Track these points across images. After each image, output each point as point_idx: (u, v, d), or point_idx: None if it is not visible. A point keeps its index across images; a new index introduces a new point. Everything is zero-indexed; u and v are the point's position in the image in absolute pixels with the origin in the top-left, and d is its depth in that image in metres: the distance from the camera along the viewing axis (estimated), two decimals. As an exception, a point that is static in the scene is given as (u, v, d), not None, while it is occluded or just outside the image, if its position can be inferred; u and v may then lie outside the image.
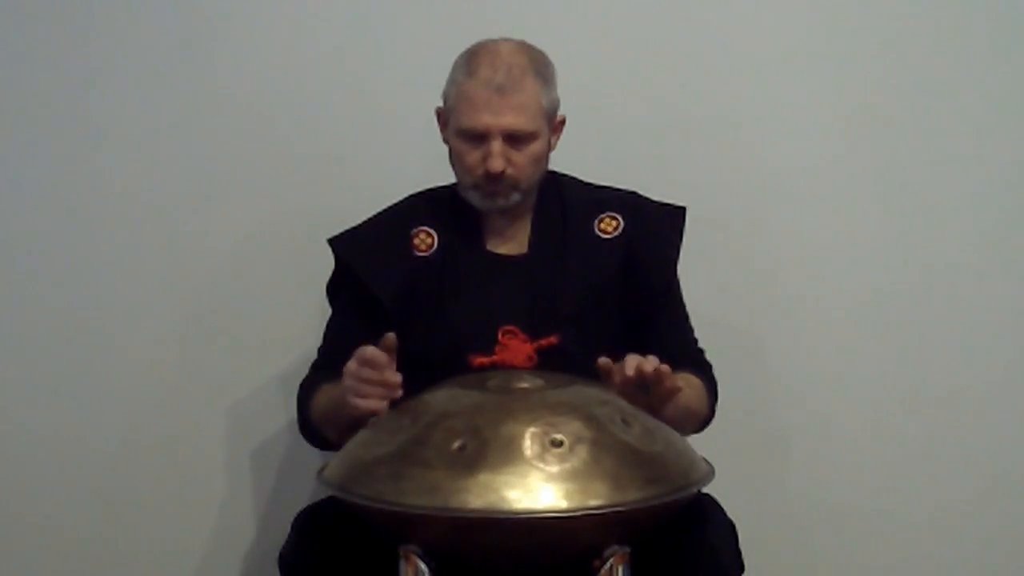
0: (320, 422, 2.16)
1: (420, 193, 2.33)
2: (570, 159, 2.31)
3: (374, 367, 1.93)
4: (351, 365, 1.95)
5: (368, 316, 2.20)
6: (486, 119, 2.13)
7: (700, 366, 2.24)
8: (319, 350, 2.30)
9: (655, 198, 2.30)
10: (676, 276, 2.29)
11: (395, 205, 2.32)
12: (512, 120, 2.14)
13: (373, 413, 1.93)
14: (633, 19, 2.63)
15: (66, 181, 2.60)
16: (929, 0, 2.65)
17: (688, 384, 2.12)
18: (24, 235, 2.60)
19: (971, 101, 2.65)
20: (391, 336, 1.95)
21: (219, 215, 2.62)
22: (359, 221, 2.30)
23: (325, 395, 2.13)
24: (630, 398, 1.92)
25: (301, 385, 2.24)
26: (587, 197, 2.29)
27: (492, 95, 2.13)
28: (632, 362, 1.92)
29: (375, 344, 1.96)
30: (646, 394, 1.93)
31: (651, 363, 1.92)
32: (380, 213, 2.31)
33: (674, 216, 2.28)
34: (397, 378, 1.94)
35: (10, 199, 2.60)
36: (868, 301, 2.66)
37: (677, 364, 2.13)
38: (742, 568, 2.00)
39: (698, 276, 2.35)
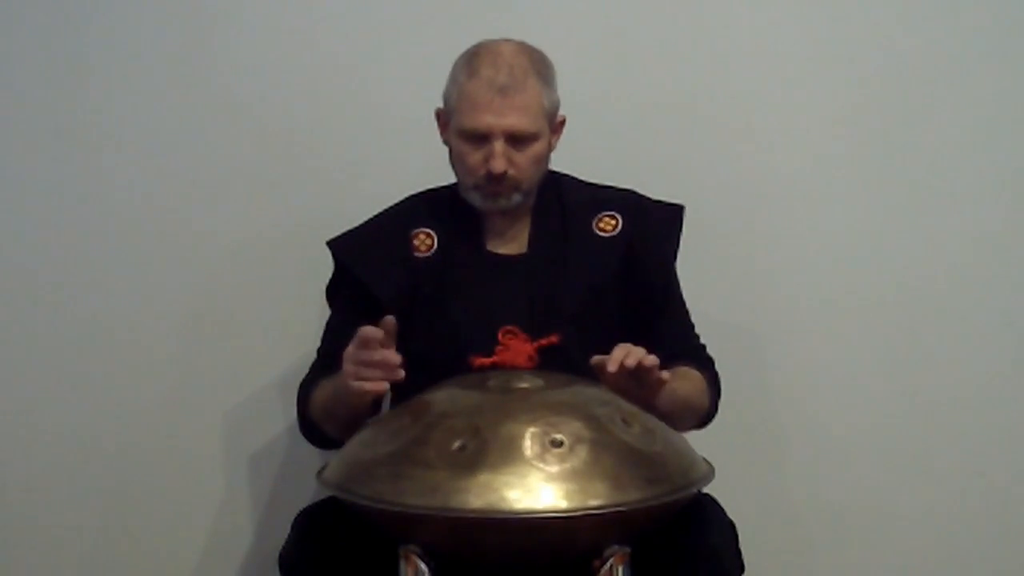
0: (320, 418, 2.16)
1: (419, 194, 2.33)
2: (570, 159, 2.31)
3: (373, 347, 1.91)
4: (350, 348, 1.94)
5: (367, 318, 2.19)
6: (488, 120, 2.13)
7: (702, 361, 2.24)
8: (318, 351, 2.30)
9: (654, 197, 2.30)
10: (675, 274, 2.29)
11: (394, 206, 2.32)
12: (514, 121, 2.13)
13: (374, 395, 1.92)
14: (632, 19, 2.62)
15: (67, 182, 2.60)
16: (930, 0, 2.65)
17: (686, 377, 2.14)
18: (25, 237, 2.60)
19: (972, 101, 2.64)
20: (390, 318, 1.94)
21: (218, 217, 2.61)
22: (358, 223, 2.30)
23: (323, 390, 2.13)
24: (623, 391, 1.93)
25: (300, 385, 2.24)
26: (586, 196, 2.29)
27: (494, 96, 2.13)
28: (617, 354, 1.93)
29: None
30: (639, 387, 1.94)
31: (633, 357, 1.93)
32: (379, 214, 2.31)
33: (672, 214, 2.28)
34: (397, 357, 1.92)
35: (11, 200, 2.59)
36: (868, 301, 2.66)
37: (678, 360, 2.14)
38: (742, 568, 2.00)
39: (698, 276, 2.35)
